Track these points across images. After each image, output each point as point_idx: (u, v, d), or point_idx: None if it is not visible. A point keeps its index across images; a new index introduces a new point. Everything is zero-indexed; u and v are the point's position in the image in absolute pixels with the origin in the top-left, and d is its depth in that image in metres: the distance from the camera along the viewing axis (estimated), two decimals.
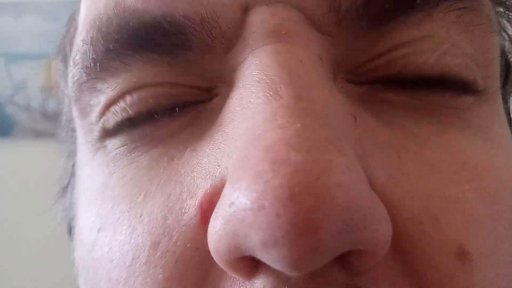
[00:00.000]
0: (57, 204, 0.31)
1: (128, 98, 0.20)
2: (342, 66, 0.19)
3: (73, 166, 0.28)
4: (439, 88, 0.19)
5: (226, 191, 0.15)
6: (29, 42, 1.32)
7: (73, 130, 0.26)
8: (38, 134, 1.31)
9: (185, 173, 0.18)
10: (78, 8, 0.26)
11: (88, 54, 0.20)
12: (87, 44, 0.20)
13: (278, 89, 0.16)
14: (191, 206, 0.17)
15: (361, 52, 0.19)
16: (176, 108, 0.20)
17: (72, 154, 0.28)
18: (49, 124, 1.30)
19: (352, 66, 0.19)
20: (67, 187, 0.29)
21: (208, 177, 0.17)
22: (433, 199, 0.17)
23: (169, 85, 0.20)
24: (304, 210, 0.13)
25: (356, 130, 0.17)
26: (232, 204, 0.14)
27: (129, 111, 0.20)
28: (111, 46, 0.20)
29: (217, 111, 0.19)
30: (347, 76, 0.19)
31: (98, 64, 0.20)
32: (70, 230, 0.28)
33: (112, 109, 0.21)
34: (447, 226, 0.16)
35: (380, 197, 0.16)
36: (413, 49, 0.19)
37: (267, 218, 0.13)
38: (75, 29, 0.25)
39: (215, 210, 0.15)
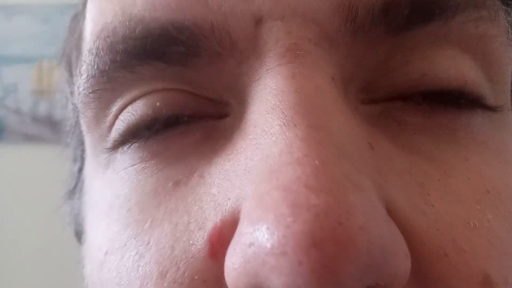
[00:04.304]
0: (63, 207, 0.31)
1: (136, 103, 0.20)
2: (356, 82, 0.19)
3: (80, 171, 0.27)
4: (455, 104, 0.19)
5: (244, 230, 0.15)
6: (19, 44, 1.30)
7: (79, 135, 0.26)
8: (28, 138, 1.30)
9: (193, 202, 0.18)
10: (81, 13, 0.25)
11: (94, 65, 0.20)
12: (93, 55, 0.20)
13: (294, 117, 0.16)
14: (200, 238, 0.17)
15: (376, 64, 0.19)
16: (185, 118, 0.19)
17: (78, 158, 0.28)
18: (40, 128, 1.28)
19: (366, 82, 0.19)
20: (74, 191, 0.29)
21: (217, 209, 0.17)
22: (458, 229, 0.17)
23: (178, 91, 0.20)
24: (326, 257, 0.13)
25: (374, 160, 0.17)
26: (251, 244, 0.14)
27: (137, 117, 0.20)
28: (117, 57, 0.19)
29: (228, 132, 0.19)
30: (362, 95, 0.19)
31: (104, 75, 0.20)
32: (78, 236, 0.28)
33: (121, 116, 0.21)
34: (472, 256, 0.16)
35: (404, 229, 0.16)
36: (430, 63, 0.19)
37: (290, 264, 0.13)
38: (80, 35, 0.25)
39: (233, 246, 0.15)
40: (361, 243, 0.13)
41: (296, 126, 0.16)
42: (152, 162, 0.20)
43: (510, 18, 0.21)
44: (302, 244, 0.13)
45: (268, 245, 0.14)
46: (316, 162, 0.15)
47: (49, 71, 1.28)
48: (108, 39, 0.20)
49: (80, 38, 0.25)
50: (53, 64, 1.21)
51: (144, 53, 0.19)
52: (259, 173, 0.16)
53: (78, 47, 0.25)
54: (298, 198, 0.14)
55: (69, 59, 0.27)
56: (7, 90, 1.31)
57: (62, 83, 0.29)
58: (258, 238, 0.14)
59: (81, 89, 0.21)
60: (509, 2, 0.21)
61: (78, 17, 0.26)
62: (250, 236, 0.14)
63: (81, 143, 0.26)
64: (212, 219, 0.17)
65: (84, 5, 0.24)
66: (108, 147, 0.21)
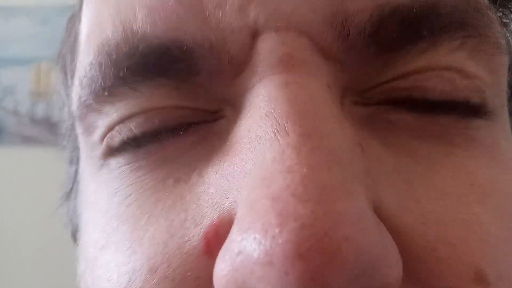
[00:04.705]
0: (61, 208, 0.31)
1: (134, 119, 0.20)
2: (349, 90, 0.19)
3: (76, 172, 0.28)
4: (448, 111, 0.19)
5: (234, 237, 0.15)
6: (17, 46, 1.31)
7: (75, 137, 0.26)
8: (26, 139, 1.30)
9: (191, 200, 0.18)
10: (77, 15, 0.25)
11: (96, 79, 0.20)
12: (95, 71, 0.20)
13: (286, 125, 0.16)
14: (195, 235, 0.17)
15: (369, 78, 0.19)
16: (181, 130, 0.20)
17: (74, 160, 0.28)
18: (38, 130, 1.28)
19: (359, 91, 0.19)
20: (70, 193, 0.29)
21: (215, 207, 0.17)
22: (446, 223, 0.17)
23: (176, 107, 0.20)
24: (312, 268, 0.13)
25: (364, 161, 0.17)
26: (240, 253, 0.14)
27: (134, 131, 0.20)
28: (121, 74, 0.19)
29: (223, 134, 0.19)
30: (355, 99, 0.19)
31: (106, 91, 0.20)
32: (74, 236, 0.28)
33: (117, 127, 0.21)
34: (463, 250, 0.16)
35: (392, 227, 0.16)
36: (420, 76, 0.19)
37: (276, 275, 0.13)
38: (76, 37, 0.25)
39: (223, 252, 0.15)
40: (347, 253, 0.13)
41: (288, 134, 0.16)
42: (148, 160, 0.20)
43: (507, 22, 0.21)
44: (288, 255, 0.13)
45: (255, 255, 0.14)
46: (305, 170, 0.15)
47: (47, 72, 1.28)
48: (112, 55, 0.20)
49: (75, 40, 0.25)
50: (51, 66, 1.22)
51: (146, 70, 0.19)
52: (253, 178, 0.16)
53: (73, 50, 0.25)
54: (285, 207, 0.14)
55: (64, 62, 0.27)
56: (5, 92, 1.31)
57: (58, 85, 0.29)
58: (246, 247, 0.14)
59: (82, 100, 0.21)
60: (505, 4, 0.21)
61: (74, 18, 0.26)
62: (239, 244, 0.14)
63: (77, 145, 0.26)
64: (209, 216, 0.17)
65: (80, 6, 0.24)
66: (102, 153, 0.21)
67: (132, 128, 0.20)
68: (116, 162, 0.21)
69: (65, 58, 0.27)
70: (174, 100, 0.20)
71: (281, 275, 0.13)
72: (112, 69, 0.20)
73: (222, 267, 0.15)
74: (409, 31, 0.18)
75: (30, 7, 1.31)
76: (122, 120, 0.20)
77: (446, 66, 0.19)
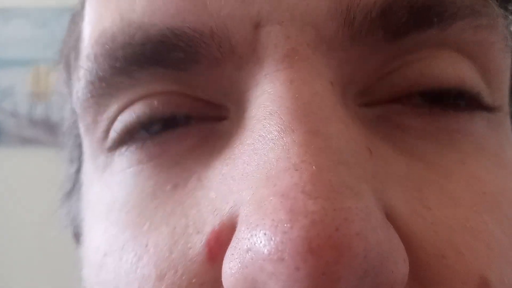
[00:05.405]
0: (61, 209, 0.31)
1: (135, 105, 0.20)
2: (354, 85, 0.19)
3: (77, 172, 0.28)
4: (454, 106, 0.19)
5: (241, 235, 0.15)
6: (16, 48, 1.31)
7: (77, 135, 0.26)
8: (25, 140, 1.30)
9: (190, 205, 0.18)
10: (79, 13, 0.25)
11: (92, 71, 0.20)
12: (91, 62, 0.20)
13: (291, 123, 0.16)
14: (198, 241, 0.17)
15: (374, 68, 0.19)
16: (183, 118, 0.19)
17: (74, 160, 0.28)
18: (37, 131, 1.28)
19: (364, 85, 0.19)
20: (71, 193, 0.29)
21: (216, 213, 0.17)
22: (455, 231, 0.17)
23: (177, 94, 0.20)
24: (323, 263, 0.13)
25: (372, 164, 0.17)
26: (249, 250, 0.14)
27: (135, 117, 0.20)
28: (116, 64, 0.19)
29: (226, 137, 0.19)
30: (360, 99, 0.19)
31: (103, 81, 0.20)
32: (76, 237, 0.28)
33: (119, 117, 0.21)
34: (470, 258, 0.17)
35: (402, 233, 0.16)
36: (428, 63, 0.19)
37: (287, 271, 0.13)
38: (78, 36, 0.25)
39: (230, 251, 0.15)
40: (358, 249, 0.14)
41: (293, 131, 0.16)
42: (150, 164, 0.20)
43: (508, 21, 0.21)
44: (299, 250, 0.13)
45: (266, 251, 0.14)
46: (314, 168, 0.15)
47: (46, 74, 1.28)
48: (107, 45, 0.20)
49: (78, 39, 0.25)
50: (50, 67, 1.21)
51: (143, 59, 0.19)
52: (257, 178, 0.16)
53: (76, 48, 0.25)
54: (295, 204, 0.14)
55: (67, 60, 0.27)
56: (4, 93, 1.31)
57: (60, 84, 0.29)
58: (256, 244, 0.14)
59: (79, 94, 0.21)
60: (508, 6, 0.21)
61: (76, 17, 0.26)
62: (248, 242, 0.14)
63: (79, 144, 0.26)
64: (210, 223, 0.17)
65: (83, 5, 0.24)
66: (106, 148, 0.21)
67: (132, 113, 0.20)
68: (119, 164, 0.21)
69: (68, 56, 0.27)
70: (174, 88, 0.20)
71: (292, 271, 0.13)
72: (107, 59, 0.20)
73: (231, 266, 0.15)
74: (418, 17, 0.18)
75: (29, 9, 1.31)
76: (122, 109, 0.20)
77: (456, 55, 0.19)
